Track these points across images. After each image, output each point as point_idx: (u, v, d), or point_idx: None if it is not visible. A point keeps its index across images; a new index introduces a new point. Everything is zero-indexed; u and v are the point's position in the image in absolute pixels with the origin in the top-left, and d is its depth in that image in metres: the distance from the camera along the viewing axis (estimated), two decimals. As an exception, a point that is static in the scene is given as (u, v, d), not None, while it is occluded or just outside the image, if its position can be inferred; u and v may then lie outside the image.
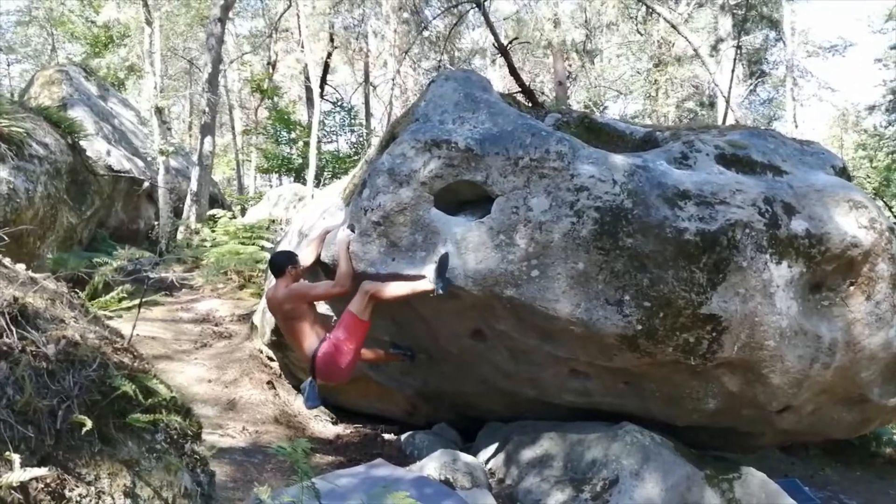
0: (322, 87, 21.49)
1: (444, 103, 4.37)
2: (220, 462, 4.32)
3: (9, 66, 27.60)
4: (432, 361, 5.13)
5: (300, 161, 17.58)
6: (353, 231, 4.40)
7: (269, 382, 6.26)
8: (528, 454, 4.77)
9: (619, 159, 3.98)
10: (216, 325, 8.23)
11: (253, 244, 11.23)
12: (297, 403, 6.35)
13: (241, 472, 4.16)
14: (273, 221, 12.48)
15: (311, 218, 6.02)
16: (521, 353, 4.48)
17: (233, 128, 24.71)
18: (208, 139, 12.74)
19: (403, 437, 5.52)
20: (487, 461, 4.99)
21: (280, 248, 7.44)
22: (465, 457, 4.67)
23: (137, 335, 6.84)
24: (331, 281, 4.34)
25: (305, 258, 4.67)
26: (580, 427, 4.80)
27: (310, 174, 12.17)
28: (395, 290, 4.08)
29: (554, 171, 3.91)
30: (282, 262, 4.39)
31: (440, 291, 3.90)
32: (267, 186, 27.92)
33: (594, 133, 4.87)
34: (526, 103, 5.69)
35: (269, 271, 4.54)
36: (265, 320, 6.15)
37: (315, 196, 6.91)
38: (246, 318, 8.59)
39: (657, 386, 4.39)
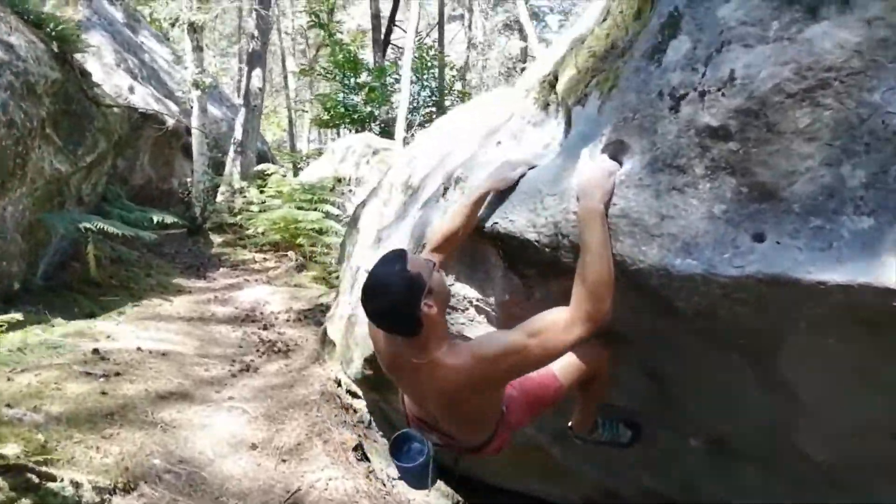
0: (390, 29, 18.92)
1: None
2: None
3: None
4: (723, 457, 2.50)
5: (368, 111, 15.01)
6: (618, 162, 1.77)
7: (356, 448, 3.75)
8: None
9: None
10: (265, 326, 5.82)
11: (315, 209, 8.81)
12: (403, 483, 3.84)
13: None
14: (340, 180, 10.00)
15: (445, 150, 3.42)
16: None
17: (285, 77, 22.38)
18: (257, 72, 10.33)
19: None
20: None
21: (369, 211, 4.89)
22: None
23: (139, 349, 4.46)
24: (559, 311, 1.80)
25: (446, 227, 2.17)
26: None
27: (399, 120, 9.66)
28: None
29: None
30: (405, 305, 1.80)
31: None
32: (324, 145, 25.66)
33: None
34: None
35: (373, 320, 1.88)
36: (352, 339, 3.63)
37: (441, 124, 4.34)
38: (308, 315, 6.14)
39: None
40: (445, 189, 2.58)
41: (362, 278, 4.04)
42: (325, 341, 4.59)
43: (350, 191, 9.91)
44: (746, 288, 1.60)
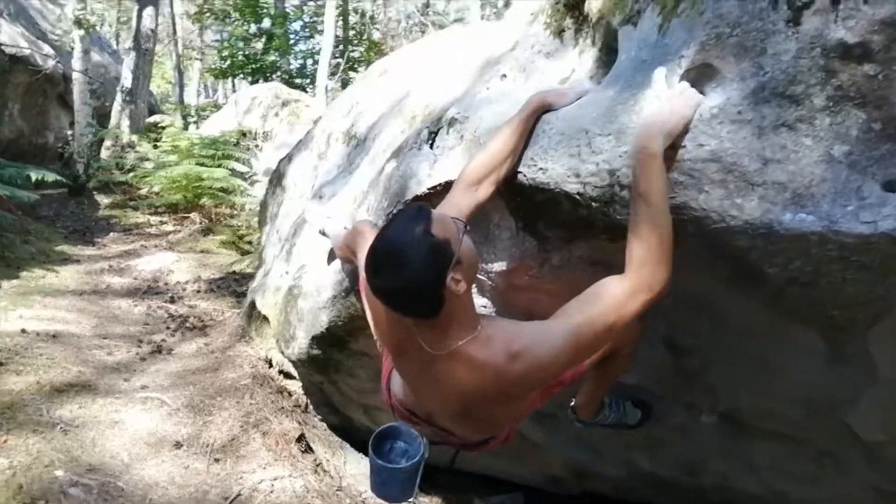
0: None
1: None
2: None
3: None
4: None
5: (271, 60, 13.99)
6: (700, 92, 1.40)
7: (300, 438, 3.30)
8: None
9: None
10: (172, 299, 5.18)
11: (219, 166, 8.02)
12: (350, 474, 3.44)
13: None
14: (245, 134, 9.19)
15: (397, 94, 2.97)
16: None
17: (173, 22, 20.61)
18: (149, 12, 9.25)
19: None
20: None
21: (298, 165, 4.33)
22: None
23: (24, 332, 3.77)
24: (612, 282, 1.44)
25: (488, 156, 1.71)
26: None
27: (322, 65, 8.97)
28: None
29: None
30: (427, 281, 1.38)
31: None
32: (212, 98, 24.02)
33: None
34: None
35: (382, 298, 1.44)
36: (295, 315, 3.14)
37: (380, 68, 3.84)
38: (221, 285, 5.54)
39: None
40: (432, 134, 2.13)
41: (302, 241, 3.54)
42: (252, 315, 4.06)
43: (257, 146, 9.16)
44: (874, 249, 1.30)
